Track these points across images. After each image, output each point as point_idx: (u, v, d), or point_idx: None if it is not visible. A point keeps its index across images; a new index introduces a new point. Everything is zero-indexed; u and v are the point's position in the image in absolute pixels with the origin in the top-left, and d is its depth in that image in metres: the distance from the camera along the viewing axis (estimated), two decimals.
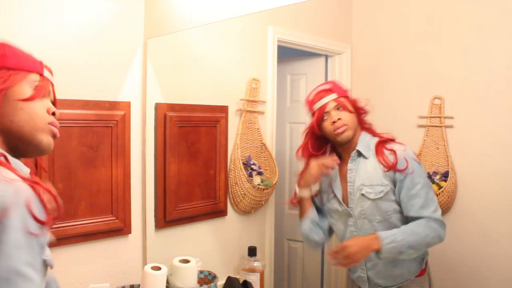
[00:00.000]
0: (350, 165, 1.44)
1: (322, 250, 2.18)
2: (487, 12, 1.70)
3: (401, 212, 1.39)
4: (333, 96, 1.43)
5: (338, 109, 1.42)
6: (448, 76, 1.79)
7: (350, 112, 1.42)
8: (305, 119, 2.27)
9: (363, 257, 1.34)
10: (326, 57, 2.16)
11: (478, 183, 1.71)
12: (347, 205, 1.45)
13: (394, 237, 1.30)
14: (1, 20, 1.28)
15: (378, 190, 1.38)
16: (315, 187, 1.57)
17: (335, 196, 1.49)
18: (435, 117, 1.80)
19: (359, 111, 1.46)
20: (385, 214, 1.39)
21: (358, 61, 2.12)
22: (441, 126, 1.79)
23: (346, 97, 1.46)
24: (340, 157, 1.47)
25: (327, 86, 1.46)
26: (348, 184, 1.44)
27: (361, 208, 1.42)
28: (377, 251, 1.30)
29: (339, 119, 1.40)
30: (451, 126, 1.77)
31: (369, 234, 1.37)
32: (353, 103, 1.46)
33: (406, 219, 1.38)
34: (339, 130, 1.40)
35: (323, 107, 1.43)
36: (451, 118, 1.77)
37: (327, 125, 1.42)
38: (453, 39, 1.78)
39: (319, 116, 1.43)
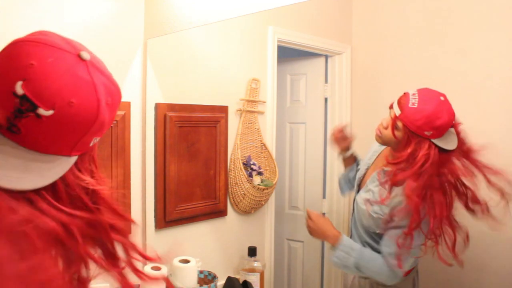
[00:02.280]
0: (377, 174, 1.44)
1: (322, 250, 2.18)
2: (487, 12, 1.70)
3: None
4: (398, 111, 1.30)
5: (391, 120, 1.33)
6: (448, 76, 1.79)
7: (394, 136, 1.32)
8: (305, 119, 2.28)
9: (317, 237, 1.48)
10: (326, 57, 2.16)
11: (478, 183, 1.70)
12: (360, 187, 1.50)
13: (349, 251, 1.37)
14: (1, 20, 1.28)
15: (379, 210, 1.38)
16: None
17: (360, 169, 1.55)
18: None
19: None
20: (368, 227, 1.42)
21: (358, 61, 2.12)
22: None
23: (410, 129, 1.26)
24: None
25: (410, 102, 1.27)
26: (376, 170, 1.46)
27: (360, 204, 1.46)
28: (331, 247, 1.40)
29: (383, 126, 1.37)
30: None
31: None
32: (410, 143, 1.27)
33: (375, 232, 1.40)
34: (376, 131, 1.40)
35: (392, 106, 1.34)
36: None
37: (384, 118, 1.39)
38: (453, 39, 1.78)
39: (390, 106, 1.36)
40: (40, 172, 0.56)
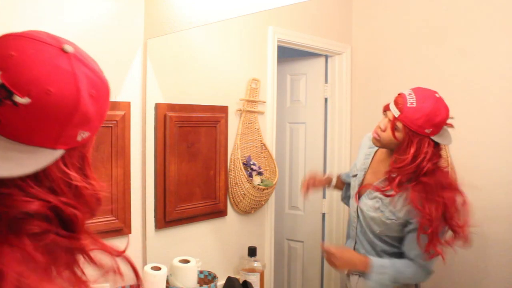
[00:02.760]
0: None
1: (322, 250, 2.18)
2: (487, 12, 1.70)
3: (395, 237, 1.41)
4: (396, 112, 1.30)
5: (391, 122, 1.33)
6: (448, 76, 1.79)
7: (395, 138, 1.31)
8: (305, 119, 2.28)
9: (344, 268, 1.46)
10: (326, 57, 2.16)
11: (478, 183, 1.70)
12: (360, 194, 1.48)
13: (383, 269, 1.36)
14: (1, 20, 1.28)
15: (392, 215, 1.38)
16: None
17: (356, 176, 1.52)
18: None
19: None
20: (381, 233, 1.42)
21: (358, 61, 2.12)
22: None
23: (411, 129, 1.27)
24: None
25: (408, 102, 1.27)
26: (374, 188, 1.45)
27: (367, 211, 1.45)
28: (362, 273, 1.39)
29: (381, 129, 1.36)
30: (451, 126, 1.77)
31: (363, 246, 1.45)
32: (410, 142, 1.28)
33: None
34: (374, 135, 1.40)
35: (388, 107, 1.35)
36: (451, 118, 1.77)
37: (380, 120, 1.38)
38: (453, 39, 1.78)
39: (385, 108, 1.37)
40: (19, 161, 0.56)
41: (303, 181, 1.68)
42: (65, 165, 0.61)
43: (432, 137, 1.27)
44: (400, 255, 1.45)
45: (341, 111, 2.09)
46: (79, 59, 0.60)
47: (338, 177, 1.73)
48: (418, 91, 1.31)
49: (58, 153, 0.59)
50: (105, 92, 0.64)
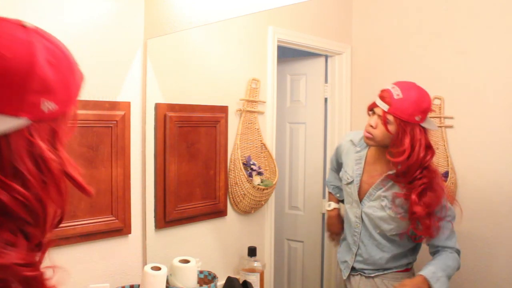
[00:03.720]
0: (384, 179, 1.44)
1: (322, 250, 2.18)
2: (487, 12, 1.70)
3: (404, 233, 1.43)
4: (385, 107, 1.34)
5: (381, 120, 1.37)
6: (448, 76, 1.79)
7: (388, 131, 1.35)
8: (305, 119, 2.27)
9: None
10: (326, 57, 2.16)
11: (478, 183, 1.71)
12: (360, 198, 1.49)
13: (435, 275, 1.34)
14: None
15: (401, 209, 1.40)
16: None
17: (352, 182, 1.52)
18: (435, 117, 1.80)
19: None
20: (391, 231, 1.44)
21: (358, 61, 2.12)
22: (441, 126, 1.79)
23: (401, 119, 1.32)
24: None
25: (395, 94, 1.33)
26: (371, 191, 1.46)
27: (374, 212, 1.46)
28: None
29: (372, 126, 1.39)
30: (451, 126, 1.77)
31: (377, 242, 1.46)
32: (404, 132, 1.32)
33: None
34: (365, 134, 1.42)
35: (374, 105, 1.39)
36: (451, 118, 1.77)
37: (368, 119, 1.42)
38: (453, 39, 1.78)
39: (370, 106, 1.42)
40: None
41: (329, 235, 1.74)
42: (31, 135, 0.59)
43: (422, 124, 1.33)
44: (405, 255, 1.46)
45: (341, 111, 2.09)
46: (38, 33, 0.61)
47: (330, 194, 1.75)
48: (400, 84, 1.36)
49: (22, 121, 0.58)
50: (68, 63, 0.65)
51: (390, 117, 1.33)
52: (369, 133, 1.40)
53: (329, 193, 1.75)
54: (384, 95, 1.35)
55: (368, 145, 1.47)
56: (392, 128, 1.34)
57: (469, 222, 1.72)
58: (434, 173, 1.36)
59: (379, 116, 1.36)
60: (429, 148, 1.34)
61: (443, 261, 1.38)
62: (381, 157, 1.45)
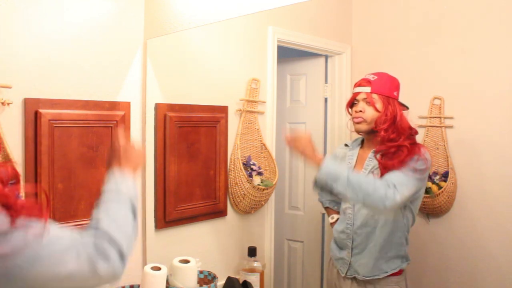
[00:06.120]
0: (370, 155, 1.50)
1: (322, 250, 2.18)
2: (487, 12, 1.70)
3: (401, 213, 1.45)
4: (367, 89, 1.48)
5: (367, 102, 1.47)
6: (448, 76, 1.79)
7: (376, 110, 1.46)
8: (305, 119, 2.28)
9: (299, 154, 1.43)
10: (326, 57, 2.16)
11: (478, 183, 1.71)
12: None
13: (334, 166, 1.37)
14: (1, 20, 1.28)
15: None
16: None
17: None
18: (435, 117, 1.81)
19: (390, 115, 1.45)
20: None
21: (358, 61, 2.12)
22: (441, 126, 1.79)
23: (383, 95, 1.46)
24: (363, 142, 1.58)
25: (370, 78, 1.49)
26: (363, 170, 1.50)
27: None
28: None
29: (360, 111, 1.48)
30: (451, 126, 1.78)
31: (365, 218, 1.49)
32: (387, 105, 1.45)
33: (401, 214, 1.46)
34: (355, 120, 1.50)
35: (356, 94, 1.51)
36: (451, 118, 1.78)
37: (353, 111, 1.52)
38: (453, 39, 1.78)
39: (351, 100, 1.53)
40: None
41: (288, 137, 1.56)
42: None
43: (399, 100, 1.49)
44: (397, 256, 1.47)
45: (341, 111, 2.09)
46: None
47: (328, 209, 1.74)
48: (370, 73, 1.51)
49: None
50: None
51: (375, 96, 1.46)
52: (359, 117, 1.48)
53: (326, 208, 1.74)
54: (361, 83, 1.50)
55: (359, 132, 1.52)
56: (379, 106, 1.46)
57: (469, 222, 1.72)
58: (417, 145, 1.43)
59: (363, 100, 1.48)
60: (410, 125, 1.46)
61: (358, 174, 1.42)
62: (370, 147, 1.52)
